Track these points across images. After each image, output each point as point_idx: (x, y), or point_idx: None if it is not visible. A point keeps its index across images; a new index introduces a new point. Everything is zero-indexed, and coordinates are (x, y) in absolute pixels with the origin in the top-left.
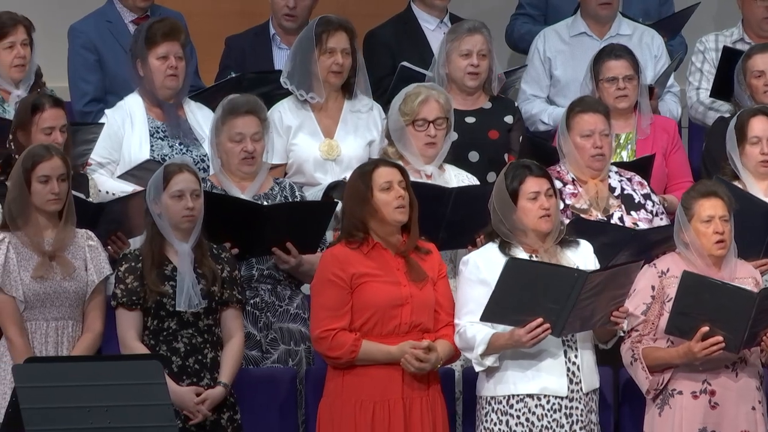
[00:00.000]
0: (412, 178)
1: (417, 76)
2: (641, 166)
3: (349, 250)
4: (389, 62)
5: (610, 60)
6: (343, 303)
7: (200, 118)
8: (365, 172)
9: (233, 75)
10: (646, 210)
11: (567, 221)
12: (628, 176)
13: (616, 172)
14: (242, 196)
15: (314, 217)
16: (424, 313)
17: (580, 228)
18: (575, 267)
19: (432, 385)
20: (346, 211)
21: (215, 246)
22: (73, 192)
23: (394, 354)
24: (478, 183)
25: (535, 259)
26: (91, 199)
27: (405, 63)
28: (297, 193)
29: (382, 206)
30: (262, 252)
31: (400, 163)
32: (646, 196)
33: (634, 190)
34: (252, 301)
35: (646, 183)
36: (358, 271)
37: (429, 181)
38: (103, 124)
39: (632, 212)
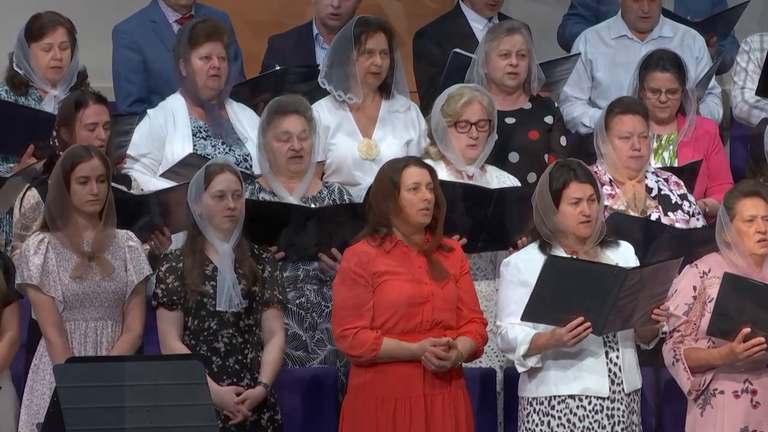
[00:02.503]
0: (453, 179)
1: (470, 62)
2: (688, 172)
3: (370, 248)
4: (440, 61)
5: (656, 71)
6: (364, 301)
7: (242, 118)
8: (394, 169)
9: (278, 68)
10: (683, 210)
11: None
12: (665, 177)
13: (652, 173)
14: (290, 198)
15: (359, 218)
16: (446, 311)
17: (617, 224)
18: (615, 265)
19: (454, 381)
20: (372, 205)
21: (256, 246)
22: (114, 185)
23: (415, 351)
24: (519, 184)
25: (576, 258)
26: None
27: (457, 50)
28: (346, 197)
29: (406, 206)
30: (309, 257)
31: (442, 163)
32: (683, 197)
33: (671, 191)
34: (297, 302)
35: (682, 183)
36: (380, 269)
37: (470, 182)
38: (137, 113)
39: (669, 213)
